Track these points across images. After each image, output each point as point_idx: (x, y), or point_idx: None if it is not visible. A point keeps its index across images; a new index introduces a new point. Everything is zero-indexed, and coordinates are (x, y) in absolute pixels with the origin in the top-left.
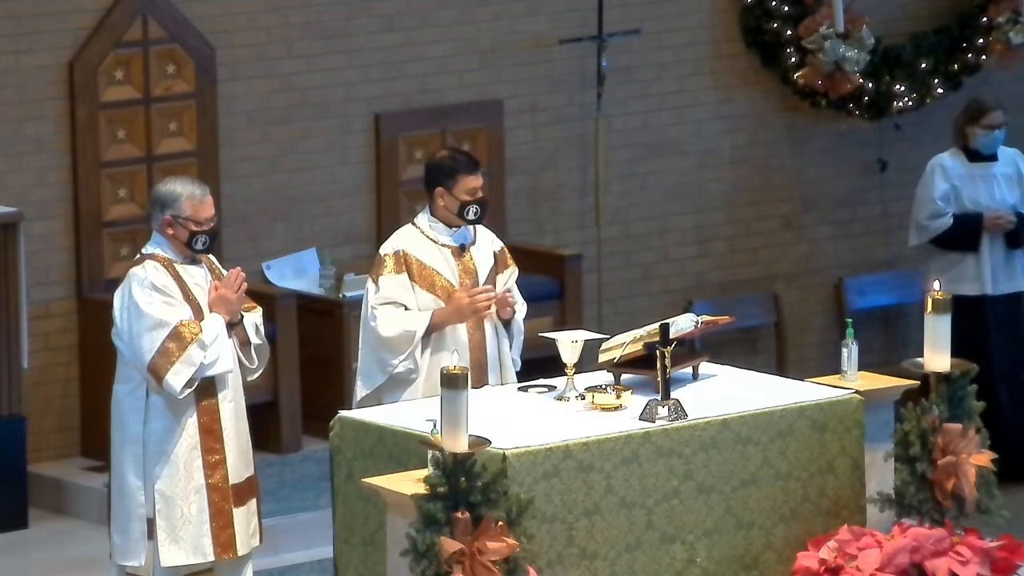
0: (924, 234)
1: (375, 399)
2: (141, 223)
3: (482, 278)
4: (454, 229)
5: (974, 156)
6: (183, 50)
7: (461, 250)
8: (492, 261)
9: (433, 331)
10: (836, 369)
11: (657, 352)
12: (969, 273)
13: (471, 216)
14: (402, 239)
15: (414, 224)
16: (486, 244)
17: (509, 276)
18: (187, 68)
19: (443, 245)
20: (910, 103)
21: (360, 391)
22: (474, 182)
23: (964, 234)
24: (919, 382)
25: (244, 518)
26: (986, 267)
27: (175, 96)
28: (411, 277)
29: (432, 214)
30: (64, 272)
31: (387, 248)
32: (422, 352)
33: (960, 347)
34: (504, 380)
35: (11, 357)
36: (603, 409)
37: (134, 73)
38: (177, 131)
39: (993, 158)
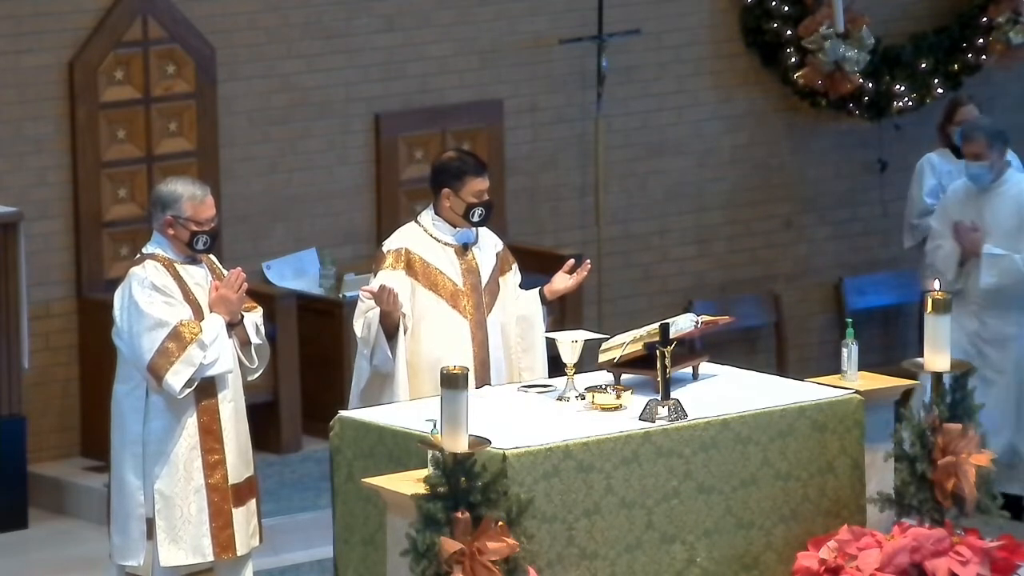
0: (916, 233)
1: (372, 395)
2: (141, 223)
3: (484, 278)
4: (457, 229)
5: (962, 153)
6: (183, 50)
7: (464, 249)
8: (494, 261)
9: (384, 320)
10: (836, 369)
11: (657, 352)
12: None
13: (477, 218)
14: (405, 237)
15: (417, 222)
16: (488, 245)
17: (514, 277)
18: (187, 68)
19: (446, 244)
20: (910, 103)
21: (356, 385)
22: (481, 184)
23: None
24: (919, 382)
25: (243, 518)
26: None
27: (175, 96)
28: (414, 276)
29: (436, 213)
30: (64, 272)
31: (389, 244)
32: (394, 345)
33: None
34: (510, 379)
35: (11, 357)
36: (603, 409)
37: (134, 73)
38: (177, 131)
39: None
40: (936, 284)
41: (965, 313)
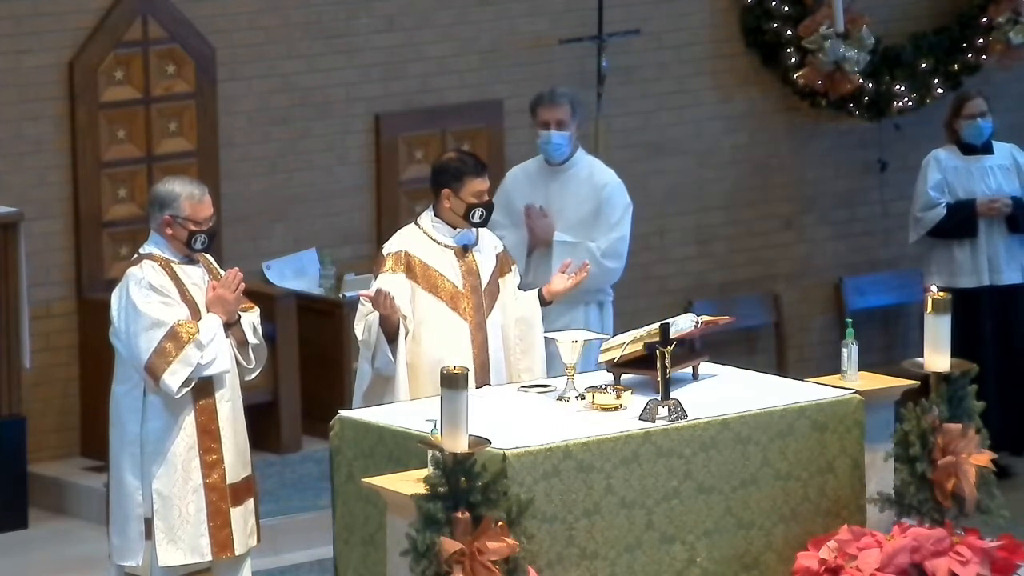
0: (920, 227)
1: (374, 398)
2: (141, 223)
3: (484, 279)
4: (457, 230)
5: (968, 150)
6: (183, 50)
7: (464, 251)
8: (494, 263)
9: (383, 323)
10: (836, 369)
11: (657, 352)
12: (966, 266)
13: (477, 219)
14: (405, 239)
15: (417, 224)
16: (488, 246)
17: (513, 279)
18: (187, 68)
19: (446, 246)
20: (910, 103)
21: (358, 388)
22: (481, 185)
23: (959, 221)
24: (919, 382)
25: (241, 517)
26: (982, 258)
27: (175, 96)
28: (414, 279)
29: (436, 215)
30: (64, 272)
31: (389, 247)
32: (395, 348)
33: (958, 341)
34: (509, 381)
35: (11, 357)
36: (603, 409)
37: (134, 73)
38: (177, 131)
39: (987, 150)
40: (934, 287)
41: None
